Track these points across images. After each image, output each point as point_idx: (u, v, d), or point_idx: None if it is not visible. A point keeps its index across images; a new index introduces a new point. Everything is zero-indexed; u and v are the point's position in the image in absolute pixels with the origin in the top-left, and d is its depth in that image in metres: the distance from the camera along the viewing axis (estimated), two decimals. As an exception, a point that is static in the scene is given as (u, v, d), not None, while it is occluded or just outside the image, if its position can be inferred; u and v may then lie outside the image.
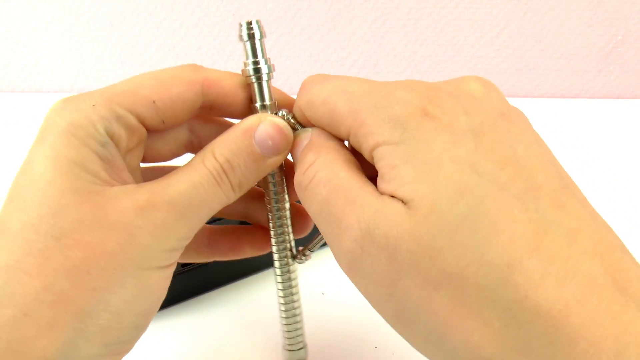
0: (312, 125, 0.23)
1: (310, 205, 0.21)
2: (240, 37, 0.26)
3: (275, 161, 0.23)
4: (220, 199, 0.22)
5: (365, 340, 0.32)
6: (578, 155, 0.59)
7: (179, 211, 0.20)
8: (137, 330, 0.21)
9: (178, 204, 0.20)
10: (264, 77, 0.25)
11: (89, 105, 0.21)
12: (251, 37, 0.25)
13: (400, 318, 0.18)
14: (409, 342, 0.19)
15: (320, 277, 0.38)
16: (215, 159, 0.22)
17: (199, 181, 0.21)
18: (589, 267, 0.16)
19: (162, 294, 0.22)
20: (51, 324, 0.18)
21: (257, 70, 0.24)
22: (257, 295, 0.36)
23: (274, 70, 0.25)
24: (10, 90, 0.75)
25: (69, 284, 0.18)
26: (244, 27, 0.25)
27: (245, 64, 0.25)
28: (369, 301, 0.20)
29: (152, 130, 0.23)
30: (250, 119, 0.23)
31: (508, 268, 0.15)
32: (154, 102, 0.22)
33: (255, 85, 0.25)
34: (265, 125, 0.22)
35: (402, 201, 0.17)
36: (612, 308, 0.15)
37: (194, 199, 0.21)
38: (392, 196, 0.18)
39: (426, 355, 0.19)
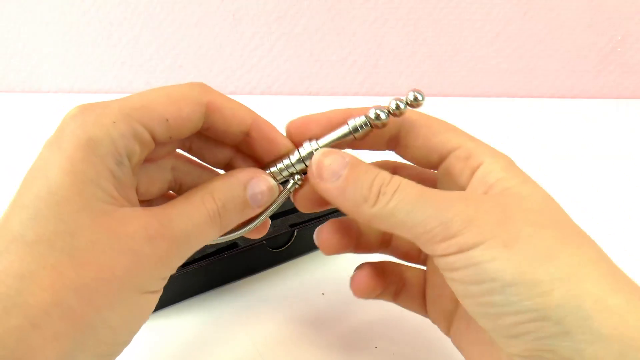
0: None
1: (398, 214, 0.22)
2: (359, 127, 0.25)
3: (255, 212, 0.25)
4: (210, 237, 0.24)
5: (365, 340, 0.32)
6: (578, 155, 0.59)
7: (180, 245, 0.22)
8: (124, 345, 0.23)
9: (180, 239, 0.22)
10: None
11: (110, 121, 0.21)
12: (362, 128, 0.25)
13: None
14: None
15: (320, 277, 0.38)
16: (214, 201, 0.23)
17: (199, 221, 0.23)
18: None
19: (148, 314, 0.23)
20: (56, 336, 0.19)
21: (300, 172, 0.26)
22: (257, 295, 0.36)
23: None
24: (10, 90, 0.75)
25: (77, 300, 0.19)
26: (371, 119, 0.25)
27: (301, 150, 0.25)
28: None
29: (159, 145, 0.24)
30: (248, 172, 0.25)
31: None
32: (167, 120, 0.22)
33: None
34: (259, 181, 0.25)
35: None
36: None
37: (192, 236, 0.22)
38: None
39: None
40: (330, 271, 0.38)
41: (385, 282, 0.29)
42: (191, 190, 0.24)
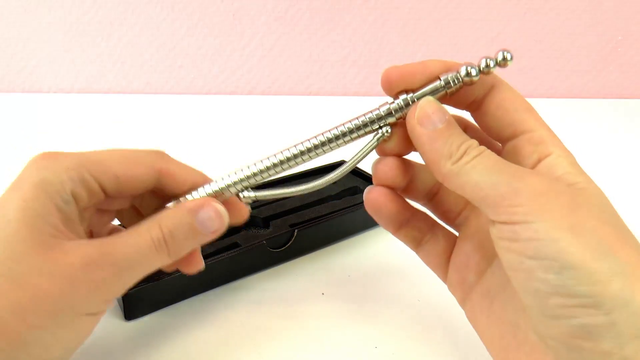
0: None
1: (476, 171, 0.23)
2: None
3: (213, 236, 0.27)
4: (157, 263, 0.26)
5: (365, 340, 0.32)
6: (578, 155, 0.59)
7: (120, 271, 0.24)
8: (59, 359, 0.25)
9: (121, 266, 0.24)
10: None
11: (63, 167, 0.25)
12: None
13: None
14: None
15: (320, 277, 0.38)
16: (160, 230, 0.25)
17: (142, 248, 0.25)
18: None
19: (88, 334, 0.25)
20: None
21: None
22: (257, 295, 0.36)
23: None
24: (10, 90, 0.75)
25: (14, 319, 0.22)
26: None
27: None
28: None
29: (109, 197, 0.27)
30: (197, 201, 0.27)
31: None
32: (117, 177, 0.26)
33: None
34: (208, 209, 0.26)
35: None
36: None
37: (134, 263, 0.24)
38: None
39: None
40: (330, 271, 0.38)
41: (407, 176, 0.28)
42: (142, 221, 0.26)
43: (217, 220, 0.26)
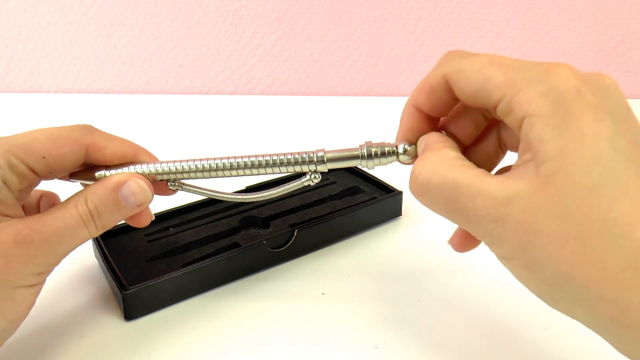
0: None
1: (435, 208, 0.24)
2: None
3: (138, 209, 0.29)
4: (85, 236, 0.27)
5: (365, 340, 0.32)
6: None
7: (51, 246, 0.26)
8: (5, 332, 0.27)
9: (51, 241, 0.26)
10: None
11: None
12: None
13: (531, 268, 0.21)
14: (532, 288, 0.22)
15: (320, 277, 0.38)
16: (87, 205, 0.27)
17: (70, 222, 0.26)
18: None
19: (30, 304, 0.27)
20: None
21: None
22: (257, 295, 0.36)
23: None
24: (10, 90, 0.75)
25: None
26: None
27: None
28: (501, 257, 0.22)
29: (41, 177, 0.28)
30: (120, 176, 0.28)
31: (629, 226, 0.19)
32: (44, 157, 0.27)
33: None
34: (131, 184, 0.28)
35: (538, 173, 0.20)
36: None
37: (64, 237, 0.26)
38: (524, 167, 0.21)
39: (546, 299, 0.22)
40: (330, 271, 0.38)
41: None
42: (70, 197, 0.28)
43: (140, 195, 0.28)
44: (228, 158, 0.29)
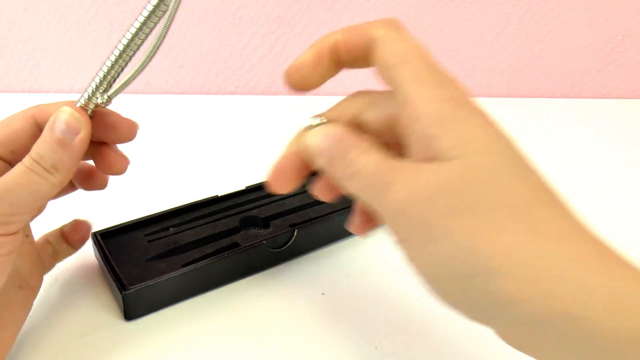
0: None
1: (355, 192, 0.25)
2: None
3: (80, 139, 0.28)
4: (37, 181, 0.27)
5: (365, 340, 0.32)
6: (578, 155, 0.59)
7: (7, 203, 0.26)
8: None
9: (3, 197, 0.26)
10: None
11: None
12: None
13: (433, 243, 0.22)
14: (427, 271, 0.23)
15: (320, 277, 0.38)
16: (30, 155, 0.27)
17: (19, 176, 0.27)
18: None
19: (1, 273, 0.27)
20: None
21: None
22: (257, 295, 0.36)
23: None
24: (10, 90, 0.75)
25: None
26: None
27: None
28: (407, 247, 0.24)
29: (7, 161, 0.29)
30: (53, 115, 0.28)
31: (525, 202, 0.21)
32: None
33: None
34: (57, 114, 0.28)
35: (446, 157, 0.22)
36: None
37: (17, 191, 0.26)
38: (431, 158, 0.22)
39: (440, 284, 0.23)
40: (330, 271, 0.38)
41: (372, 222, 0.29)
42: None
43: (72, 121, 0.28)
44: (115, 46, 0.32)
